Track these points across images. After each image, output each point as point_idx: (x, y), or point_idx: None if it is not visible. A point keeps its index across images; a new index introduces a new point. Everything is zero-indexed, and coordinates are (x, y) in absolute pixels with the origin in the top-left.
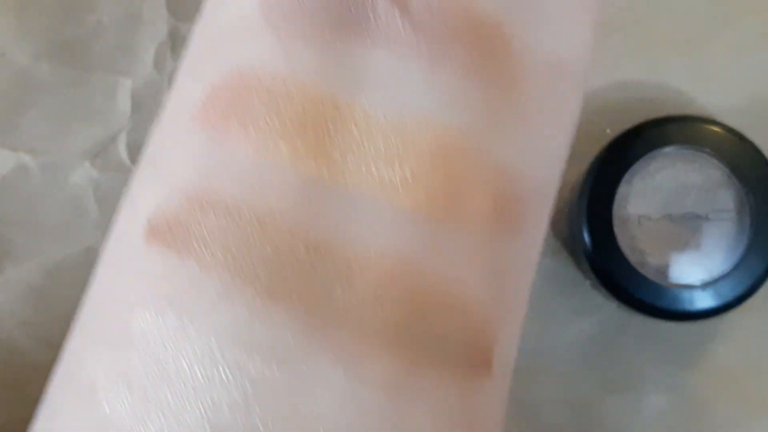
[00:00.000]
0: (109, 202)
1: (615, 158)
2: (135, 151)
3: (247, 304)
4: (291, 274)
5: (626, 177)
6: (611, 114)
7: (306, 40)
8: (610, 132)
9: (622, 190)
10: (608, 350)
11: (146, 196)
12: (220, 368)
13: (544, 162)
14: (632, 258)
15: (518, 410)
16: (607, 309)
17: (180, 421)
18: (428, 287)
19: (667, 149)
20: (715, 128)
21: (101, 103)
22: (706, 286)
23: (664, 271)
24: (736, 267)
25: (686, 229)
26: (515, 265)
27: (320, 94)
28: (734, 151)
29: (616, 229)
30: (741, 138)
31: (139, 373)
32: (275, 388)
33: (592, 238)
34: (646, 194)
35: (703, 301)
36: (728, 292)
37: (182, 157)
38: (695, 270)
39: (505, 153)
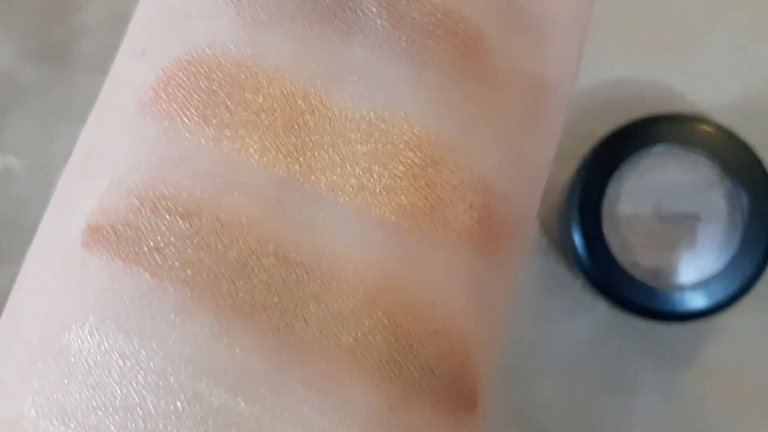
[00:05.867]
0: None
1: (604, 158)
2: None
3: (208, 324)
4: (259, 288)
5: (616, 176)
6: (600, 113)
7: (274, 25)
8: (599, 131)
9: (612, 189)
10: (599, 351)
11: (83, 193)
12: (177, 400)
13: (525, 179)
14: (622, 259)
15: (510, 412)
16: (599, 310)
17: None
18: (412, 309)
19: (657, 148)
20: (706, 126)
21: (87, 104)
22: (697, 286)
23: (654, 271)
24: (728, 267)
25: (677, 229)
26: (497, 289)
27: (291, 86)
28: (726, 150)
29: (606, 230)
30: (732, 136)
31: (77, 405)
32: (241, 424)
33: (582, 239)
34: (636, 194)
35: (695, 301)
36: (720, 292)
37: (128, 150)
38: (686, 270)
39: (487, 164)
